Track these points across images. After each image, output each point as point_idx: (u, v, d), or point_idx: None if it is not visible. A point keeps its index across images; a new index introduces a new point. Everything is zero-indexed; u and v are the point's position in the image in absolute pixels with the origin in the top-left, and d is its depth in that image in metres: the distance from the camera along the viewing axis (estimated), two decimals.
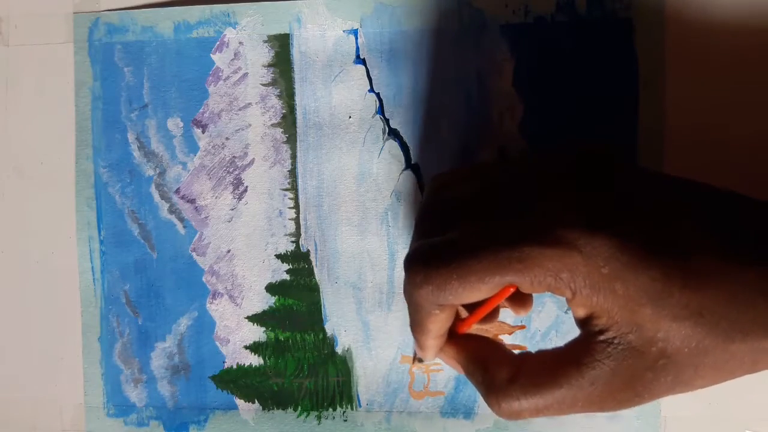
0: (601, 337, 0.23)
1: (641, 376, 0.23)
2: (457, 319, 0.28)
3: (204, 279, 0.37)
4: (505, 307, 0.30)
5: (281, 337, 0.37)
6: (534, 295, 0.34)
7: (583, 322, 0.24)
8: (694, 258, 0.22)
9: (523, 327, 0.35)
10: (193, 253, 0.37)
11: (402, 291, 0.35)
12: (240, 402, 0.37)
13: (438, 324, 0.26)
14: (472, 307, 0.28)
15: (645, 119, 0.34)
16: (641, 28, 0.34)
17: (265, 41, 0.36)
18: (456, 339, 0.28)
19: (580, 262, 0.22)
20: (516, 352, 0.27)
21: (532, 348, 0.35)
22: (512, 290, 0.24)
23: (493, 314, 0.30)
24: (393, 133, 0.36)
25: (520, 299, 0.30)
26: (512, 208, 0.25)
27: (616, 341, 0.23)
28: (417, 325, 0.27)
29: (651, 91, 0.34)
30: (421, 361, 0.31)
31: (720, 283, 0.22)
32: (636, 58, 0.34)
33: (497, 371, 0.25)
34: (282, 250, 0.37)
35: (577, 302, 0.23)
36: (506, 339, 0.35)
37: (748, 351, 0.22)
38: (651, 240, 0.23)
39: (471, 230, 0.25)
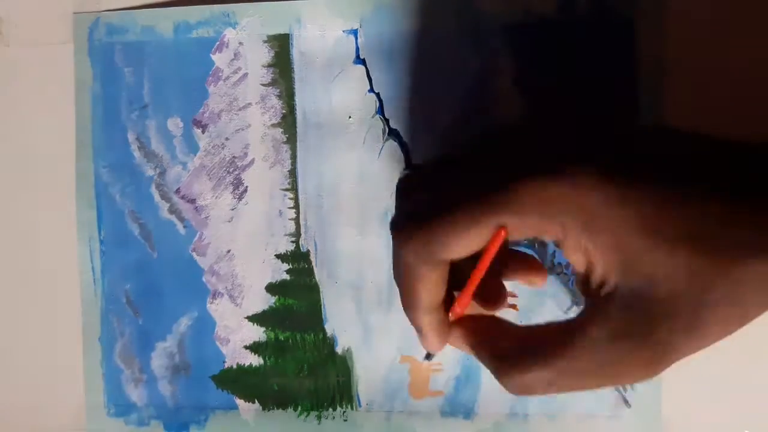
0: (603, 292, 0.22)
1: (656, 329, 0.21)
2: (455, 298, 0.27)
3: (204, 279, 0.37)
4: (516, 279, 0.29)
5: (281, 337, 0.37)
6: (533, 294, 0.35)
7: (583, 283, 0.23)
8: (686, 188, 0.22)
9: None
10: (193, 253, 0.37)
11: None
12: (240, 402, 0.37)
13: (429, 292, 0.25)
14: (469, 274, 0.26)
15: (645, 119, 0.34)
16: (642, 28, 0.33)
17: (265, 41, 0.36)
18: (461, 321, 0.27)
19: (569, 193, 0.21)
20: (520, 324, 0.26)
21: None
22: (504, 234, 0.22)
23: (498, 296, 0.28)
24: (393, 134, 0.36)
25: (530, 267, 0.29)
26: (500, 157, 0.24)
27: (618, 292, 0.21)
28: (407, 296, 0.25)
29: (651, 90, 0.34)
30: (429, 357, 0.30)
31: (715, 209, 0.21)
32: (636, 58, 0.34)
33: (505, 347, 0.25)
34: (282, 250, 0.37)
35: (570, 244, 0.22)
36: None
37: (756, 275, 0.21)
38: (641, 171, 0.22)
39: (454, 181, 0.24)
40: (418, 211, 0.24)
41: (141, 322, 0.38)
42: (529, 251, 0.35)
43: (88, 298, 0.38)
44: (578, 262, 0.22)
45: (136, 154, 0.37)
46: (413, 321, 0.26)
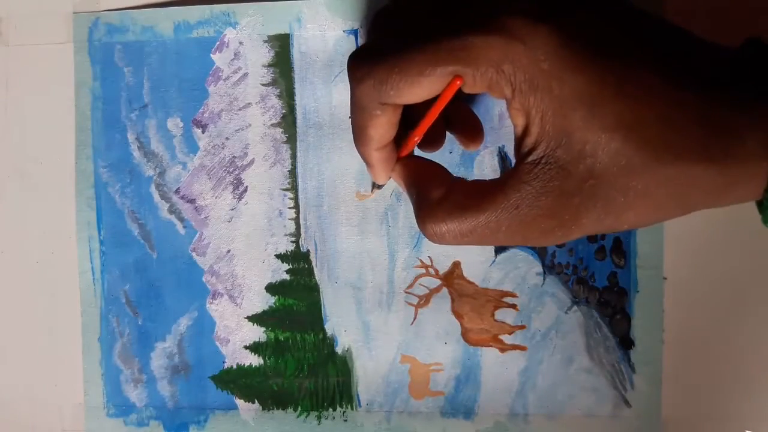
0: (530, 158, 0.22)
1: (568, 202, 0.22)
2: (405, 140, 0.27)
3: (204, 279, 0.37)
4: (454, 133, 0.30)
5: (281, 337, 0.37)
6: (534, 293, 0.35)
7: (518, 143, 0.23)
8: (635, 69, 0.21)
9: (523, 327, 0.35)
10: (193, 253, 0.37)
11: (401, 290, 0.36)
12: (240, 402, 0.37)
13: (379, 129, 0.25)
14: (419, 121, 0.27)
15: None
16: None
17: (266, 41, 0.36)
18: (405, 159, 0.28)
19: (522, 53, 0.21)
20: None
21: (533, 349, 0.35)
22: (459, 83, 0.22)
23: (436, 140, 0.30)
24: None
25: (467, 127, 0.29)
26: (463, 3, 0.23)
27: (543, 161, 0.22)
28: (359, 132, 0.26)
29: None
30: (379, 187, 0.32)
31: (656, 100, 0.21)
32: None
33: (431, 191, 0.25)
34: (282, 250, 0.37)
35: (516, 105, 0.22)
36: (506, 339, 0.35)
37: (678, 177, 0.21)
38: (595, 42, 0.22)
39: (416, 26, 0.23)
40: (378, 49, 0.23)
41: (140, 323, 0.38)
42: (529, 251, 0.35)
43: (88, 298, 0.38)
44: (518, 125, 0.22)
45: (136, 153, 0.37)
46: (363, 155, 0.27)
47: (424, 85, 0.22)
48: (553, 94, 0.21)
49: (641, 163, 0.21)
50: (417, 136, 0.26)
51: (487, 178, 0.25)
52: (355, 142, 0.27)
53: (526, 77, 0.21)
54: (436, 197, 0.25)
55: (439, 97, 0.23)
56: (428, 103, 0.24)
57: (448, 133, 0.31)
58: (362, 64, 0.24)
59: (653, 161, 0.21)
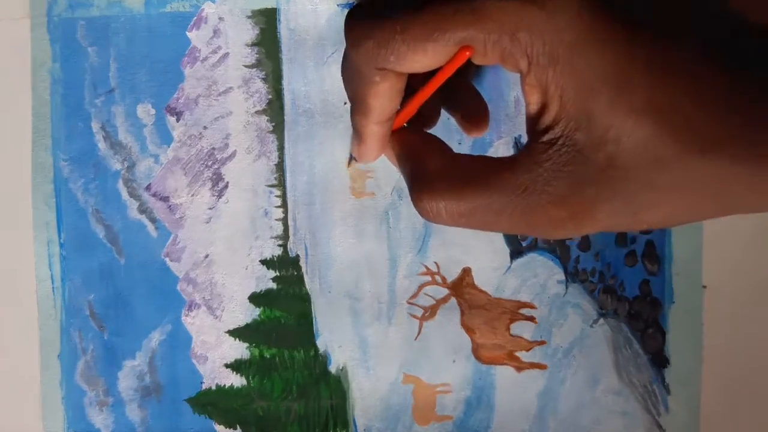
0: (545, 137, 0.21)
1: (582, 191, 0.21)
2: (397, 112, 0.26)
3: (179, 288, 0.36)
4: (456, 114, 0.28)
5: (267, 354, 0.36)
6: (555, 304, 0.35)
7: (532, 121, 0.22)
8: (669, 46, 0.20)
9: (543, 342, 0.35)
10: (167, 259, 0.36)
11: (404, 301, 0.35)
12: (220, 428, 0.36)
13: (380, 99, 0.23)
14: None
15: None
16: None
17: (249, 17, 0.35)
18: (397, 132, 0.26)
19: (542, 20, 0.20)
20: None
21: (554, 367, 0.34)
22: (468, 54, 0.21)
23: (432, 116, 0.29)
24: None
25: (471, 110, 0.28)
26: None
27: (560, 142, 0.20)
28: (358, 102, 0.24)
29: None
30: (356, 160, 0.31)
31: (691, 82, 0.20)
32: None
33: (428, 163, 0.24)
34: (267, 255, 0.35)
35: (532, 79, 0.20)
36: (523, 356, 0.34)
37: (711, 173, 0.20)
38: (623, 12, 0.20)
39: None
40: (375, 8, 0.22)
41: (107, 338, 0.36)
42: (549, 256, 0.34)
43: (46, 309, 0.36)
44: (532, 102, 0.21)
45: (101, 145, 0.36)
46: (358, 127, 0.26)
47: (429, 53, 0.21)
48: (575, 69, 0.20)
49: (672, 155, 0.20)
50: (412, 109, 0.25)
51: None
52: (352, 114, 0.25)
53: (545, 48, 0.20)
54: (434, 169, 0.24)
55: (443, 68, 0.22)
56: (430, 74, 0.23)
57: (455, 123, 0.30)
58: (361, 24, 0.22)
59: (686, 153, 0.19)
